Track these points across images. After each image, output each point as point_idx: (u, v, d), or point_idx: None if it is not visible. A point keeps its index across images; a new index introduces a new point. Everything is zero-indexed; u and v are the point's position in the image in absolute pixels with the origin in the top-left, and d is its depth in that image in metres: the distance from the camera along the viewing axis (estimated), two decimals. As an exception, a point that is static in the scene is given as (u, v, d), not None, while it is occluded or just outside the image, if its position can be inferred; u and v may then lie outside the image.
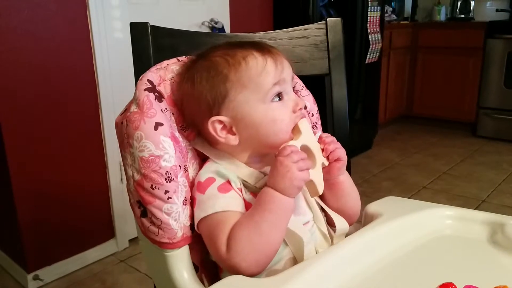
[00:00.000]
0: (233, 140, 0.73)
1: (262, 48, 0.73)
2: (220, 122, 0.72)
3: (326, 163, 0.74)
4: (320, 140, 0.76)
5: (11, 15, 1.62)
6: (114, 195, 2.04)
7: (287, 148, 0.67)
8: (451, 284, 0.58)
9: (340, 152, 0.75)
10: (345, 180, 0.79)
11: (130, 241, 2.14)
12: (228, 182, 0.71)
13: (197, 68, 0.74)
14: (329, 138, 0.76)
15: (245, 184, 0.73)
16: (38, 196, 1.79)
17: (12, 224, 1.80)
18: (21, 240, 1.78)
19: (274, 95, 0.72)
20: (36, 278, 1.81)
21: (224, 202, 0.69)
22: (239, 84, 0.71)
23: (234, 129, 0.73)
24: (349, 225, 0.80)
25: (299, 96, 0.87)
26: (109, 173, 2.01)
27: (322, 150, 0.75)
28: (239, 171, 0.73)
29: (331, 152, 0.74)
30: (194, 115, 0.75)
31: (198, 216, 0.70)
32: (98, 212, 2.02)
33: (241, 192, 0.71)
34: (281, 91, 0.72)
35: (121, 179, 2.05)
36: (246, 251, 0.63)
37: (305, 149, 0.72)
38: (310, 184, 0.70)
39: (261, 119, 0.71)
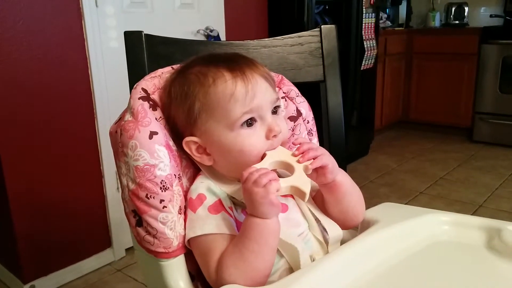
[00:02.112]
0: (208, 160, 0.74)
1: (235, 69, 0.69)
2: (195, 142, 0.72)
3: (309, 169, 0.69)
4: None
5: (6, 25, 1.62)
6: (110, 204, 2.03)
7: (243, 175, 0.64)
8: (448, 290, 0.58)
9: (323, 159, 0.70)
10: (344, 180, 0.75)
11: (127, 250, 2.12)
12: (220, 201, 0.71)
13: (175, 83, 0.74)
14: (304, 146, 0.70)
15: (235, 201, 0.72)
16: (34, 206, 1.78)
17: (8, 234, 1.79)
18: (17, 250, 1.76)
19: (243, 123, 0.69)
20: (32, 288, 1.80)
21: (214, 224, 0.68)
22: (208, 108, 0.70)
23: (208, 150, 0.72)
24: (356, 224, 0.79)
25: (294, 103, 0.87)
26: (105, 182, 2.00)
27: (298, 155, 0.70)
28: (227, 187, 0.73)
29: (313, 159, 0.69)
30: (174, 130, 0.75)
31: (187, 235, 0.70)
32: (94, 221, 2.00)
33: (232, 211, 0.71)
34: (252, 117, 0.69)
35: (117, 188, 2.04)
36: (234, 277, 0.63)
37: (279, 163, 0.69)
38: (294, 190, 0.66)
39: (230, 147, 0.70)
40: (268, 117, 0.70)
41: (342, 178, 0.74)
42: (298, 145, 0.71)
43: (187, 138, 0.72)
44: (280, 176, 0.67)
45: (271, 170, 0.66)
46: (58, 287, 1.88)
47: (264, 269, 0.64)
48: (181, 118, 0.72)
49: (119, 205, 1.99)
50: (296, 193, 0.66)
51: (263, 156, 0.69)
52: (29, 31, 1.69)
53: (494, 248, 0.70)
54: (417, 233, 0.75)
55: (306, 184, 0.66)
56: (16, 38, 1.66)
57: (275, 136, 0.70)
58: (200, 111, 0.70)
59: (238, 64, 0.70)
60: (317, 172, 0.71)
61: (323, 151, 0.71)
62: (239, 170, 0.67)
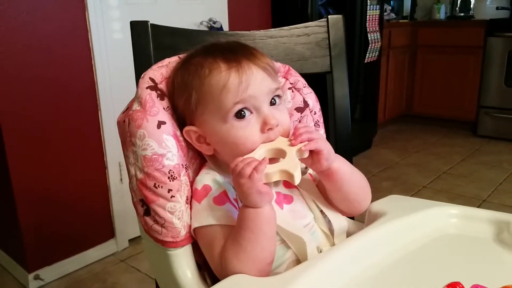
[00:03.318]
0: (208, 150, 0.73)
1: (231, 60, 0.68)
2: (195, 131, 0.72)
3: (305, 153, 0.67)
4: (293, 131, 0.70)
5: (10, 16, 1.62)
6: (113, 195, 2.03)
7: (230, 166, 0.64)
8: (458, 283, 0.57)
9: (318, 143, 0.68)
10: (341, 167, 0.72)
11: (130, 241, 2.13)
12: (225, 192, 0.70)
13: (177, 73, 0.74)
14: (301, 129, 0.68)
15: None
16: (38, 196, 1.79)
17: (13, 224, 1.80)
18: (22, 240, 1.77)
19: (235, 113, 0.68)
20: (37, 277, 1.81)
21: (218, 215, 0.68)
22: (204, 100, 0.69)
23: (208, 140, 0.72)
24: (360, 212, 0.78)
25: (301, 94, 0.87)
26: (108, 173, 2.00)
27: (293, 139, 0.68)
28: (231, 178, 0.72)
29: (307, 142, 0.67)
30: (179, 119, 0.75)
31: (192, 225, 0.70)
32: (98, 212, 2.01)
33: (237, 202, 0.71)
34: (244, 108, 0.68)
35: (121, 179, 2.04)
36: (238, 269, 0.63)
37: (271, 151, 0.68)
38: (283, 174, 0.64)
39: (224, 139, 0.69)
40: (264, 109, 0.69)
41: (339, 165, 0.72)
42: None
43: (187, 128, 0.72)
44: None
45: (265, 158, 0.65)
46: (62, 277, 1.89)
47: (264, 258, 0.64)
48: (182, 108, 0.73)
49: (122, 196, 2.01)
50: (286, 177, 0.64)
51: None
52: (33, 22, 1.68)
53: (503, 241, 0.70)
54: (424, 226, 0.74)
55: (295, 167, 0.64)
56: (20, 29, 1.65)
57: (270, 129, 0.68)
58: (197, 102, 0.70)
59: (235, 54, 0.69)
60: (313, 158, 0.69)
61: (318, 136, 0.69)
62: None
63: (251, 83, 0.67)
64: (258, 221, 0.63)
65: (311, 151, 0.68)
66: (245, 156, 0.64)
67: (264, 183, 0.62)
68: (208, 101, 0.69)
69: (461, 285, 0.57)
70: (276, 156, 0.67)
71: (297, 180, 0.63)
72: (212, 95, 0.68)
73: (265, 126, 0.68)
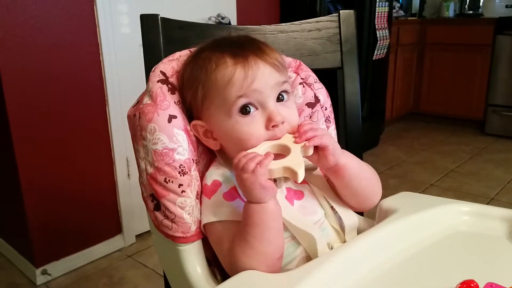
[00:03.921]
0: (214, 145, 0.73)
1: (238, 55, 0.68)
2: (202, 126, 0.72)
3: (310, 150, 0.66)
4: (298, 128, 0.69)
5: (18, 10, 1.62)
6: (121, 191, 2.03)
7: (234, 161, 0.63)
8: (472, 281, 0.56)
9: (322, 138, 0.67)
10: (348, 163, 0.72)
11: (137, 236, 2.13)
12: (234, 188, 0.70)
13: (187, 66, 0.73)
14: (306, 126, 0.67)
15: None
16: (46, 191, 1.79)
17: (20, 219, 1.80)
18: (29, 235, 1.78)
19: (240, 108, 0.67)
20: (44, 272, 1.82)
21: (228, 211, 0.68)
22: (210, 94, 0.69)
23: (214, 135, 0.72)
24: (370, 207, 0.78)
25: (312, 90, 0.86)
26: (116, 168, 2.00)
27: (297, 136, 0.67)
28: None
29: (311, 138, 0.66)
30: (188, 112, 0.74)
31: (202, 220, 0.70)
32: (105, 207, 2.01)
33: None
34: (248, 103, 0.67)
35: (128, 175, 2.04)
36: (248, 265, 0.62)
37: (276, 146, 0.67)
38: (286, 170, 0.63)
39: (229, 135, 0.69)
40: (269, 105, 0.68)
41: (346, 161, 0.71)
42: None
43: (194, 122, 0.72)
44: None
45: (269, 152, 0.64)
46: (69, 272, 1.89)
47: (272, 253, 0.63)
48: (190, 101, 0.72)
49: (129, 192, 2.01)
50: (289, 174, 0.63)
51: None
52: (41, 16, 1.68)
53: (516, 239, 0.69)
54: (436, 223, 0.73)
55: (299, 165, 0.62)
56: (29, 23, 1.65)
57: (275, 126, 0.67)
58: (203, 96, 0.70)
59: (243, 49, 0.69)
60: (319, 155, 0.68)
61: (323, 132, 0.68)
62: None
63: (257, 78, 0.66)
64: (263, 216, 0.62)
65: (316, 148, 0.67)
66: (248, 151, 0.64)
67: (268, 179, 0.62)
68: (214, 96, 0.68)
69: (475, 283, 0.56)
70: (280, 152, 0.66)
71: (300, 177, 0.62)
72: (217, 90, 0.68)
73: (269, 123, 0.67)
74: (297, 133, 0.67)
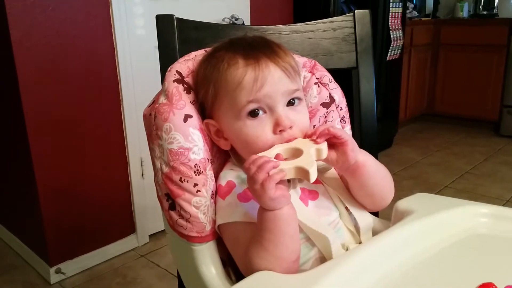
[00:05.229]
0: (225, 145, 0.73)
1: (250, 56, 0.67)
2: (213, 125, 0.72)
3: (324, 153, 0.65)
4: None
5: (36, 12, 1.64)
6: (135, 191, 2.05)
7: (244, 167, 0.61)
8: (491, 284, 0.56)
9: (342, 131, 0.66)
10: (367, 160, 0.71)
11: (150, 236, 2.14)
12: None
13: (202, 65, 0.73)
14: (322, 126, 0.66)
15: None
16: (61, 191, 1.81)
17: (35, 218, 1.82)
18: (44, 234, 1.80)
19: (248, 112, 0.67)
20: (58, 271, 1.83)
21: (243, 212, 0.67)
22: (220, 94, 0.69)
23: (225, 135, 0.72)
24: (384, 206, 0.77)
25: (327, 89, 0.85)
26: (130, 169, 2.02)
27: (311, 136, 0.66)
28: None
29: (323, 133, 0.65)
30: (202, 111, 0.74)
31: (217, 221, 0.70)
32: (119, 207, 2.03)
33: None
34: (258, 108, 0.67)
35: (142, 175, 2.05)
36: (263, 266, 0.61)
37: (288, 150, 0.66)
38: (298, 171, 0.61)
39: (236, 136, 0.69)
40: (278, 109, 0.67)
41: (365, 158, 0.71)
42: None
43: (207, 120, 0.72)
44: None
45: (279, 155, 0.63)
46: (83, 271, 1.91)
47: (288, 256, 0.62)
48: (202, 100, 0.72)
49: (143, 191, 2.02)
50: (301, 174, 0.61)
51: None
52: (58, 17, 1.70)
53: (535, 242, 0.68)
54: (454, 225, 0.72)
55: (311, 164, 0.61)
56: (46, 24, 1.67)
57: (282, 130, 0.67)
58: (214, 96, 0.70)
59: (255, 51, 0.68)
60: (338, 152, 0.67)
61: (340, 128, 0.67)
62: None
63: (267, 82, 0.66)
64: (276, 222, 0.61)
65: (334, 147, 0.67)
66: (259, 154, 0.62)
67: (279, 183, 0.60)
68: (224, 96, 0.68)
69: (495, 286, 0.55)
70: (293, 157, 0.65)
71: (312, 177, 0.60)
72: (227, 91, 0.68)
73: (277, 127, 0.67)
74: (313, 134, 0.66)
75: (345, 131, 0.69)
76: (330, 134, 0.65)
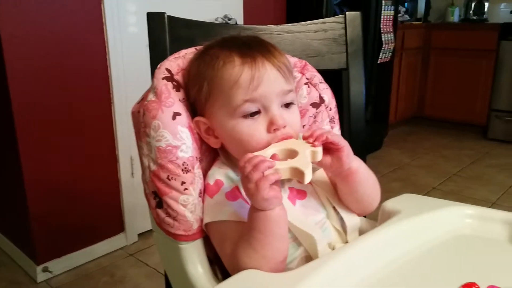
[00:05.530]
0: (215, 143, 0.73)
1: (246, 55, 0.67)
2: (204, 123, 0.72)
3: (319, 156, 0.65)
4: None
5: (27, 8, 1.62)
6: (124, 189, 2.04)
7: (239, 164, 0.61)
8: (473, 284, 0.56)
9: (335, 137, 0.66)
10: (360, 167, 0.72)
11: (139, 235, 2.13)
12: (237, 187, 0.70)
13: (194, 62, 0.73)
14: (320, 130, 0.66)
15: None
16: (49, 188, 1.79)
17: (22, 215, 1.81)
18: (31, 231, 1.78)
19: (244, 113, 0.67)
20: (45, 270, 1.82)
21: (231, 211, 0.67)
22: (214, 92, 0.69)
23: (216, 133, 0.72)
24: (370, 212, 0.77)
25: (317, 90, 0.86)
26: (120, 167, 2.01)
27: (308, 138, 0.66)
28: None
29: (321, 138, 0.65)
30: (192, 109, 0.74)
31: (204, 220, 0.70)
32: (108, 205, 2.02)
33: None
34: (254, 109, 0.67)
35: (132, 173, 2.04)
36: (250, 266, 0.62)
37: (283, 151, 0.66)
38: (293, 171, 0.61)
39: (230, 134, 0.69)
40: (273, 109, 0.67)
41: (358, 165, 0.71)
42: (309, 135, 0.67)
43: (197, 118, 0.72)
44: None
45: (275, 155, 0.63)
46: (71, 269, 1.89)
47: (275, 257, 0.63)
48: (194, 97, 0.72)
49: (133, 190, 2.01)
50: (296, 175, 0.62)
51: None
52: (49, 13, 1.68)
53: (518, 243, 0.69)
54: (439, 226, 0.73)
55: (306, 165, 0.61)
56: (37, 20, 1.66)
57: (276, 129, 0.67)
58: (207, 93, 0.69)
59: (251, 50, 0.68)
60: (333, 156, 0.68)
61: (337, 134, 0.68)
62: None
63: (263, 81, 0.66)
64: (266, 222, 0.61)
65: (330, 151, 0.67)
66: (255, 153, 0.62)
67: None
68: (218, 94, 0.68)
69: (477, 285, 0.56)
70: (288, 157, 0.65)
71: (307, 178, 0.61)
72: (222, 89, 0.68)
73: (271, 126, 0.67)
74: (311, 137, 0.66)
75: (342, 137, 0.69)
76: (328, 141, 0.66)
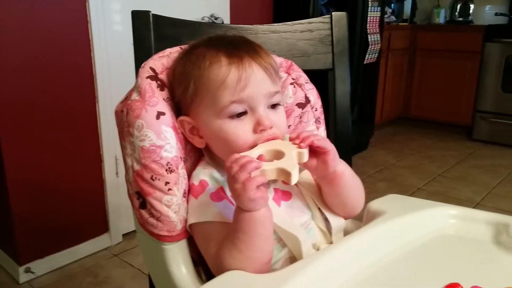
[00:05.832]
0: (199, 143, 0.72)
1: (233, 55, 0.67)
2: (189, 122, 0.71)
3: (305, 157, 0.65)
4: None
5: (10, 5, 1.60)
6: (109, 189, 2.02)
7: (226, 164, 0.61)
8: (457, 284, 0.57)
9: (321, 141, 0.66)
10: (345, 170, 0.71)
11: (124, 235, 2.12)
12: (222, 188, 0.69)
13: (179, 61, 0.73)
14: (306, 132, 0.66)
15: None
16: (32, 188, 1.77)
17: (4, 216, 1.78)
18: (13, 232, 1.75)
19: (231, 114, 0.66)
20: (27, 270, 1.79)
21: (215, 211, 0.67)
22: (200, 92, 0.68)
23: (200, 133, 0.71)
24: (354, 215, 0.77)
25: (302, 90, 0.86)
26: (104, 167, 1.99)
27: (294, 140, 0.66)
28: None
29: (307, 140, 0.65)
30: (177, 108, 0.73)
31: (188, 220, 0.69)
32: (92, 206, 1.99)
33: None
34: (241, 110, 0.66)
35: (117, 173, 2.02)
36: (234, 267, 0.61)
37: (269, 151, 0.65)
38: (280, 172, 0.61)
39: (215, 134, 0.68)
40: (259, 110, 0.67)
41: (343, 169, 0.71)
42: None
43: (181, 117, 0.71)
44: None
45: (261, 156, 0.63)
46: (54, 270, 1.87)
47: (260, 258, 0.62)
48: (179, 97, 0.71)
49: (117, 190, 1.99)
50: (282, 176, 0.61)
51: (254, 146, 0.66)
52: (33, 12, 1.66)
53: (501, 243, 0.69)
54: (423, 226, 0.74)
55: (293, 166, 0.61)
56: (21, 18, 1.63)
57: (263, 130, 0.67)
58: (193, 93, 0.69)
59: (238, 50, 0.68)
60: (318, 159, 0.68)
61: (324, 137, 0.68)
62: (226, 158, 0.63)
63: (250, 82, 0.66)
64: (252, 223, 0.61)
65: (316, 154, 0.67)
66: (241, 154, 0.62)
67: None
68: (204, 94, 0.68)
69: (460, 286, 0.56)
70: (274, 158, 0.65)
71: (294, 179, 0.61)
72: (209, 89, 0.67)
73: (258, 127, 0.67)
74: (297, 138, 0.65)
75: (329, 141, 0.69)
76: (314, 145, 0.65)
